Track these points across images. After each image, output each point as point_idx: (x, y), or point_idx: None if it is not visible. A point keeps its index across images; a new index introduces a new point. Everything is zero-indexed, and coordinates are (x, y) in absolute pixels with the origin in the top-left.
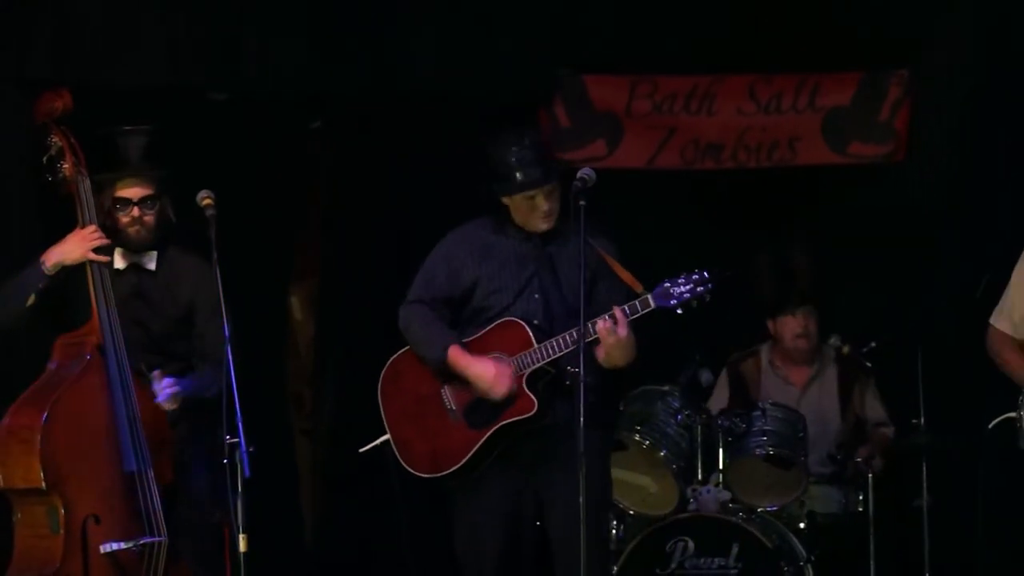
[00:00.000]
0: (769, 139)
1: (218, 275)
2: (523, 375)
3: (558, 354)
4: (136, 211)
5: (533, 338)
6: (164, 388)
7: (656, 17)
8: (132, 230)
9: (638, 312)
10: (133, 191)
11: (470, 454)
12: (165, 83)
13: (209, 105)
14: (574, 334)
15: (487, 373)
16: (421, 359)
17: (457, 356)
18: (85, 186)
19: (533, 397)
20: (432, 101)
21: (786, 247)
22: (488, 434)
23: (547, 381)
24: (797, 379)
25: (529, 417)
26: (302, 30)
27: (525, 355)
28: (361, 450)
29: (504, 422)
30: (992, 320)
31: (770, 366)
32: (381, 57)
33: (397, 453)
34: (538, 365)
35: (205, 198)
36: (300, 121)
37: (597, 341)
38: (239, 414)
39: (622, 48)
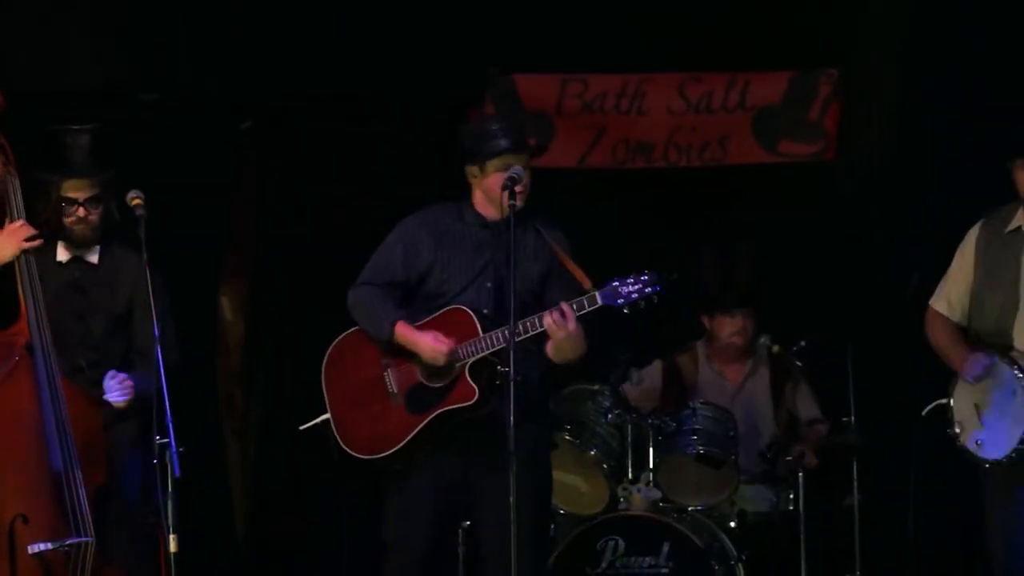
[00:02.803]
0: (700, 138)
1: (148, 275)
2: (465, 364)
3: (500, 346)
4: (82, 211)
5: (479, 327)
6: (120, 382)
7: (586, 15)
8: (77, 228)
9: (585, 309)
10: (79, 191)
11: (407, 439)
12: (96, 84)
13: (140, 106)
14: (520, 327)
15: (427, 341)
16: (369, 337)
17: (404, 331)
18: (14, 185)
19: (474, 386)
20: (363, 102)
21: (730, 245)
22: (426, 420)
23: (491, 372)
24: (732, 376)
25: (468, 406)
26: (233, 31)
27: (468, 344)
28: (301, 427)
29: (443, 409)
30: (931, 301)
31: (707, 361)
32: (312, 58)
33: (336, 433)
34: (480, 355)
35: (135, 198)
36: (231, 122)
37: (546, 336)
38: (169, 414)
39: (552, 47)
